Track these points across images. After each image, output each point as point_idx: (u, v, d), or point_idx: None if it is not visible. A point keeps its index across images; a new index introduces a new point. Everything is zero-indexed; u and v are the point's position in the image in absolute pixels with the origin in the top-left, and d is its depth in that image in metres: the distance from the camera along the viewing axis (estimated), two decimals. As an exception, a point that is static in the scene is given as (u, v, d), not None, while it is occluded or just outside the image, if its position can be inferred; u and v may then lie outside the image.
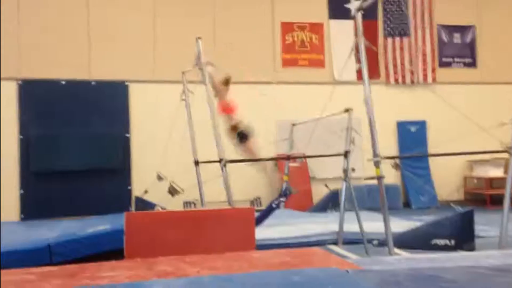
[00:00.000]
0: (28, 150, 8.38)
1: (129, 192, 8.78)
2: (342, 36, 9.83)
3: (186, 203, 8.50)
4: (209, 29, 9.22)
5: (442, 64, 10.55)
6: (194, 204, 8.31)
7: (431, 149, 9.69)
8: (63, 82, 8.68)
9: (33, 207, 8.34)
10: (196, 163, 6.46)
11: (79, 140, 8.52)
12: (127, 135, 8.93)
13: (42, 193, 8.35)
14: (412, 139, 10.03)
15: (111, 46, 8.90)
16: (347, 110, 5.44)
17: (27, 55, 8.52)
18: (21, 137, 8.42)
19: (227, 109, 5.68)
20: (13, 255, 4.64)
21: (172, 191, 6.38)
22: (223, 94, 5.73)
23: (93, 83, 8.83)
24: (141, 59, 9.03)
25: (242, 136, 5.67)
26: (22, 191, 8.38)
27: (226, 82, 5.80)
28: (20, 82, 8.49)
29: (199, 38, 5.68)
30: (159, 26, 9.15)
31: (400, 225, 5.73)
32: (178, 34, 8.88)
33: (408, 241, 4.49)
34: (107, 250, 4.67)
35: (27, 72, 8.51)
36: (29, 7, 8.56)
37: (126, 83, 8.98)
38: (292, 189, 5.71)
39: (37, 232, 5.87)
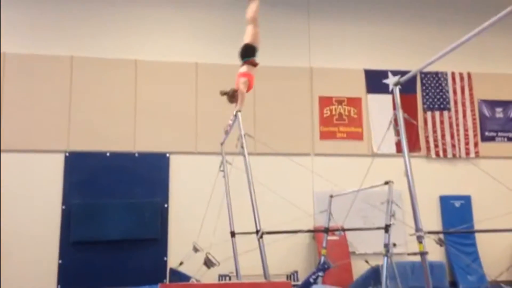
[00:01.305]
0: (69, 220, 8.56)
1: (165, 263, 8.71)
2: (380, 110, 9.92)
3: (222, 276, 8.31)
4: (249, 102, 9.49)
5: (485, 139, 10.35)
6: (230, 277, 8.11)
7: (477, 225, 9.26)
8: (108, 154, 9.03)
9: (71, 277, 8.36)
10: (233, 234, 6.40)
11: (119, 210, 8.66)
12: (166, 205, 9.03)
13: (80, 263, 8.40)
14: (457, 214, 9.64)
15: (155, 120, 9.29)
16: (387, 183, 5.35)
17: (76, 129, 8.97)
18: (64, 207, 8.66)
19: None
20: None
21: (208, 263, 6.29)
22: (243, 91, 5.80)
23: (136, 154, 9.14)
24: (183, 131, 9.34)
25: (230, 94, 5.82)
26: (60, 261, 8.46)
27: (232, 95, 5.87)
28: (67, 154, 8.89)
29: (239, 111, 5.87)
30: (201, 100, 9.51)
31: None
32: (219, 108, 9.16)
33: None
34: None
35: (74, 145, 8.93)
36: (80, 85, 9.16)
37: (168, 155, 9.24)
38: (330, 263, 5.50)
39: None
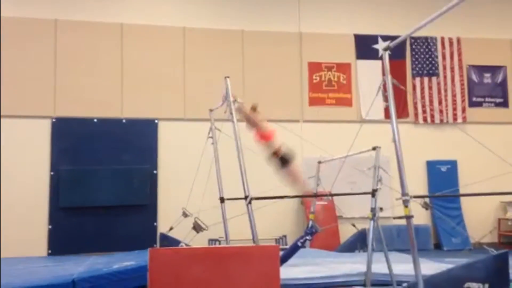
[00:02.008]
0: (58, 186, 8.56)
1: (155, 228, 8.81)
2: (369, 76, 9.89)
3: (211, 241, 8.44)
4: (238, 68, 9.42)
5: (472, 104, 10.42)
6: (219, 242, 8.24)
7: (462, 190, 9.43)
8: (95, 120, 8.94)
9: (61, 242, 8.44)
10: (222, 200, 6.45)
11: (108, 176, 8.66)
12: (155, 171, 9.04)
13: (70, 228, 8.46)
14: (443, 179, 9.80)
15: (143, 85, 9.17)
16: (374, 148, 5.38)
17: (61, 95, 8.84)
18: (52, 173, 8.63)
19: (264, 137, 5.68)
20: (38, 290, 4.68)
21: (197, 228, 6.36)
22: (257, 122, 5.74)
23: (124, 120, 9.06)
24: (171, 97, 9.25)
25: (284, 160, 5.61)
26: (50, 226, 8.51)
27: (254, 108, 5.80)
28: (54, 120, 8.78)
29: (227, 77, 5.80)
30: (189, 66, 9.40)
31: (431, 267, 5.52)
32: (207, 73, 9.10)
33: (439, 284, 4.29)
34: (132, 286, 4.66)
35: (61, 111, 8.82)
36: (65, 50, 8.96)
37: (156, 121, 9.18)
38: (318, 227, 5.59)
39: (63, 268, 5.91)
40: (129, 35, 9.23)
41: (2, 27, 8.67)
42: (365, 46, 10.19)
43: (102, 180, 8.61)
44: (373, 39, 10.20)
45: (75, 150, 8.74)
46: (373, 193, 5.14)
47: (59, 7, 9.00)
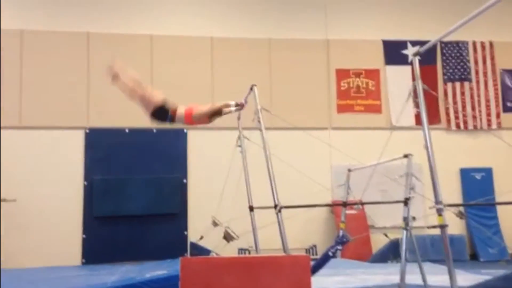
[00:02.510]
0: (91, 196, 8.73)
1: (185, 237, 8.86)
2: (399, 81, 9.75)
3: (241, 250, 8.43)
4: (265, 76, 9.44)
5: (507, 109, 10.12)
6: (249, 251, 8.22)
7: (498, 198, 9.14)
8: (127, 130, 9.11)
9: (94, 251, 8.59)
10: (251, 208, 6.44)
11: (139, 185, 8.80)
12: (185, 180, 9.12)
13: (103, 237, 8.61)
14: (478, 187, 9.52)
15: (172, 95, 9.24)
16: (406, 156, 5.28)
17: (94, 106, 9.06)
18: (85, 183, 8.82)
19: (189, 116, 5.21)
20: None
21: (227, 237, 6.36)
22: (205, 112, 5.18)
23: (154, 130, 9.19)
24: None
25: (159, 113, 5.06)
26: (84, 236, 8.67)
27: (218, 113, 5.19)
28: (87, 130, 8.99)
29: (254, 85, 5.82)
30: (216, 75, 9.49)
31: (467, 278, 5.36)
32: (235, 82, 9.12)
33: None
34: (163, 295, 4.69)
35: (94, 121, 9.02)
36: (97, 62, 9.17)
37: (185, 131, 9.28)
38: (349, 236, 5.51)
39: (97, 277, 6.01)
40: (158, 46, 9.40)
41: (37, 40, 8.97)
42: (394, 52, 10.06)
43: (134, 189, 8.75)
44: (402, 44, 10.06)
45: (108, 160, 8.92)
46: (406, 201, 5.03)
47: (91, 20, 9.25)
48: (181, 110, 5.02)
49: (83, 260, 8.59)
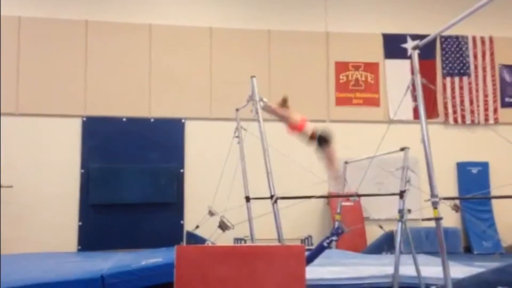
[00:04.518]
0: (88, 184, 8.74)
1: (181, 226, 8.90)
2: (398, 75, 9.75)
3: (237, 240, 8.47)
4: (264, 68, 9.43)
5: (505, 105, 10.15)
6: (245, 241, 8.26)
7: (494, 192, 9.19)
8: (124, 119, 9.09)
9: (90, 238, 8.63)
10: (247, 199, 6.46)
11: (136, 174, 8.81)
12: (182, 170, 9.13)
13: (99, 225, 8.65)
14: (473, 181, 9.58)
15: (170, 85, 9.29)
16: (403, 149, 5.30)
17: (92, 94, 9.03)
18: (82, 171, 8.82)
19: (296, 127, 5.61)
20: (67, 285, 4.79)
21: (223, 226, 6.38)
22: (287, 115, 5.68)
23: (152, 120, 9.19)
24: (198, 97, 9.34)
25: (322, 139, 5.42)
26: (80, 223, 8.70)
27: (284, 102, 5.64)
28: (84, 118, 8.98)
29: (253, 76, 5.81)
30: (215, 66, 9.47)
31: (461, 270, 5.40)
32: (233, 73, 9.13)
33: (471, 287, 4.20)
34: (159, 282, 4.72)
35: (91, 110, 9.01)
36: (95, 50, 9.16)
37: (183, 120, 9.27)
38: (344, 228, 5.54)
39: (92, 263, 6.03)
40: (157, 36, 9.36)
41: (35, 28, 8.93)
42: (393, 45, 10.05)
43: (130, 178, 8.76)
44: (402, 38, 10.04)
45: (105, 148, 8.92)
46: (401, 194, 5.07)
47: (89, 9, 9.20)
48: (303, 132, 5.51)
49: (79, 247, 8.63)
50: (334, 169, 5.77)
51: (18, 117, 8.73)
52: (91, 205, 8.69)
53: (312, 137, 5.48)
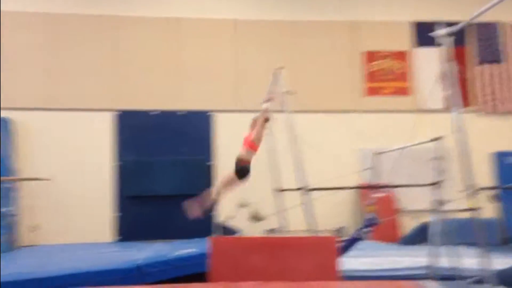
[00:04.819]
0: (121, 176, 8.95)
1: (212, 218, 9.00)
2: (428, 64, 9.54)
3: (268, 231, 8.51)
4: (290, 59, 9.39)
5: (541, 92, 9.81)
6: (276, 232, 8.29)
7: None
8: (154, 113, 9.24)
9: (126, 229, 8.84)
10: (277, 190, 6.49)
11: (167, 167, 8.95)
12: (210, 162, 9.23)
13: (133, 216, 8.84)
14: (510, 170, 9.30)
15: (198, 78, 9.36)
16: (436, 139, 5.22)
17: (124, 89, 9.21)
18: (116, 163, 9.03)
19: (252, 145, 5.36)
20: (105, 274, 4.94)
21: (255, 218, 6.46)
22: (260, 130, 5.35)
23: (180, 113, 9.30)
24: (225, 89, 9.38)
25: (241, 172, 5.18)
26: (116, 214, 8.93)
27: (267, 120, 5.40)
28: (117, 112, 9.16)
29: (280, 68, 5.81)
30: (241, 58, 9.47)
31: (498, 262, 5.29)
32: (260, 65, 9.13)
33: (506, 279, 4.12)
34: (192, 272, 4.80)
35: (123, 104, 9.18)
36: (126, 45, 9.31)
37: (211, 113, 9.35)
38: (377, 219, 5.50)
39: (129, 253, 6.18)
40: (184, 29, 9.44)
41: (67, 24, 9.13)
42: (423, 33, 9.82)
43: (162, 170, 8.92)
44: (432, 25, 9.73)
45: (137, 141, 9.09)
46: (436, 184, 5.00)
47: (120, 5, 9.35)
48: (245, 153, 5.21)
49: (115, 238, 8.85)
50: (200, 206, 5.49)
51: (54, 111, 8.97)
52: (125, 197, 8.89)
53: (242, 161, 5.14)
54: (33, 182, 8.29)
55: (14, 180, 8.15)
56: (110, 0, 9.36)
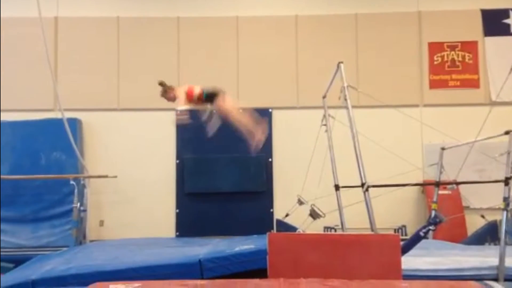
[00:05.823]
0: (183, 173, 9.18)
1: (271, 214, 9.04)
2: (500, 53, 9.03)
3: (327, 228, 8.42)
4: (352, 53, 9.21)
5: None
6: (335, 230, 8.19)
7: None
8: (215, 111, 9.37)
9: (187, 225, 9.06)
10: (337, 187, 6.40)
11: (227, 164, 9.08)
12: (270, 159, 9.24)
13: (194, 212, 9.04)
14: None
15: (257, 75, 9.41)
16: (507, 132, 4.92)
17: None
18: (177, 161, 9.28)
19: (187, 97, 5.52)
20: (169, 268, 5.10)
21: (314, 215, 6.40)
22: (173, 97, 5.63)
23: (240, 110, 9.37)
24: (284, 86, 9.36)
25: (209, 97, 5.51)
26: (177, 210, 9.18)
27: (162, 85, 5.66)
28: (177, 111, 9.39)
29: (341, 62, 5.71)
30: (301, 54, 9.42)
31: None
32: (320, 60, 9.02)
33: None
34: (252, 268, 4.85)
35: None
36: (187, 45, 9.53)
37: (270, 110, 9.36)
38: (442, 217, 5.28)
39: (190, 248, 6.33)
40: (244, 27, 9.52)
41: (132, 27, 9.49)
42: (494, 22, 9.29)
43: (222, 167, 9.05)
44: (503, 13, 9.25)
45: (197, 139, 9.27)
46: (507, 181, 4.71)
47: (180, 6, 9.59)
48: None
49: (177, 233, 9.11)
50: (240, 120, 5.44)
51: (120, 112, 9.38)
52: (186, 194, 9.12)
53: (199, 99, 5.30)
54: (100, 179, 8.71)
55: (85, 178, 8.59)
56: (171, 2, 9.62)
